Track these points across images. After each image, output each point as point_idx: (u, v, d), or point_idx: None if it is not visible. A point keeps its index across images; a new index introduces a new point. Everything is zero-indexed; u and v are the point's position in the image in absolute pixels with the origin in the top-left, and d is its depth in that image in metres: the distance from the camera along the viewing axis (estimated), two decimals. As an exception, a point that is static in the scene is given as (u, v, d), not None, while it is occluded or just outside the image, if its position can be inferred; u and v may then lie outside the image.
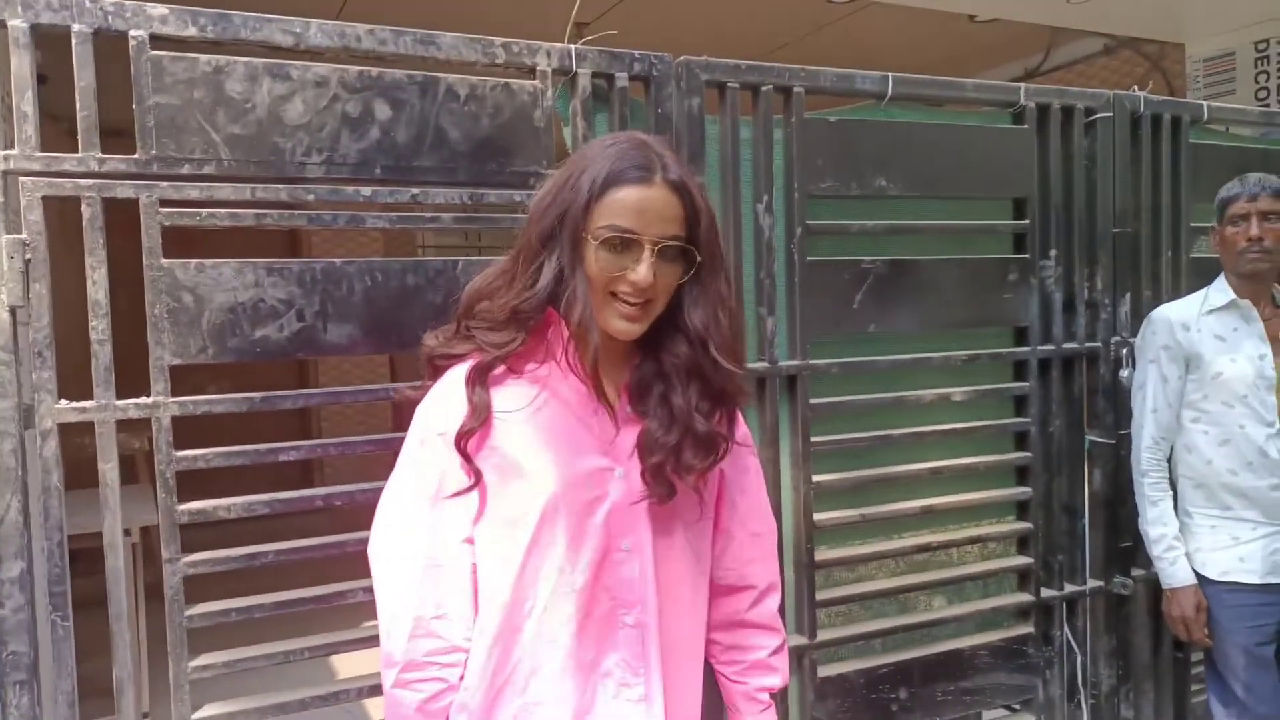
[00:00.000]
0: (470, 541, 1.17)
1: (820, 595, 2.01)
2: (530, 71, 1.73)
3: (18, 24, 1.38)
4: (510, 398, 1.16)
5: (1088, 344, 2.30)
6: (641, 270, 1.09)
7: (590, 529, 1.14)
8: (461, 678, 1.16)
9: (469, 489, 1.14)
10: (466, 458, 1.13)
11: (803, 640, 1.98)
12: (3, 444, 1.37)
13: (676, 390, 1.17)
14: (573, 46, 1.76)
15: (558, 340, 1.17)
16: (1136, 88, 2.37)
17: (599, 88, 1.80)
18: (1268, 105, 4.34)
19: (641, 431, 1.16)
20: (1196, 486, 2.14)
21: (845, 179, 2.02)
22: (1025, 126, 2.20)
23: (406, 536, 1.17)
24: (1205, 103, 2.48)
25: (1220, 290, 2.13)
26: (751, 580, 1.33)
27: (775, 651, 1.34)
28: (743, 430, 1.31)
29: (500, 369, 1.17)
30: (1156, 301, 2.33)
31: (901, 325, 2.10)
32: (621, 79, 1.80)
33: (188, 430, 1.48)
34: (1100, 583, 2.33)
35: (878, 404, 2.09)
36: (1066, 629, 2.30)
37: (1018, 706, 2.29)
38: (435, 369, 1.22)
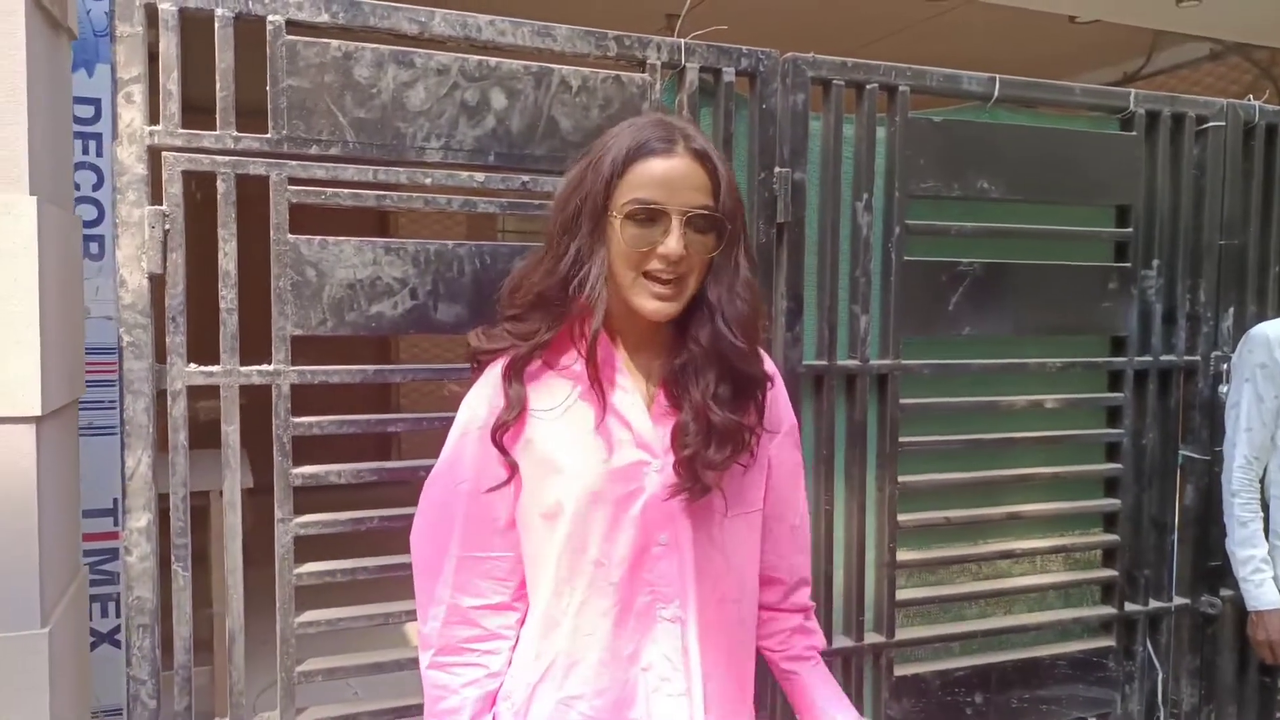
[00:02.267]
0: (511, 531, 1.18)
1: (900, 595, 2.02)
2: (640, 65, 1.76)
3: (168, 7, 1.46)
4: (546, 393, 1.16)
5: (1186, 357, 2.25)
6: (671, 242, 1.07)
7: (626, 523, 1.13)
8: (507, 665, 1.19)
9: (505, 483, 1.16)
10: (503, 450, 1.15)
11: (880, 639, 1.99)
12: (137, 403, 1.46)
13: (696, 377, 1.13)
14: (683, 41, 1.79)
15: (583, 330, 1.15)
16: (1252, 96, 2.30)
17: (705, 82, 1.82)
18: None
19: (676, 424, 1.14)
20: (1290, 509, 2.09)
21: (947, 180, 2.01)
22: (1133, 133, 2.16)
23: (446, 526, 1.18)
24: (1324, 114, 2.40)
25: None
26: (783, 574, 1.31)
27: (809, 617, 1.33)
28: (778, 415, 1.27)
29: (536, 363, 1.17)
30: (1261, 316, 2.27)
31: (996, 330, 2.08)
32: (728, 74, 1.82)
33: (265, 398, 1.56)
34: (1187, 600, 2.29)
35: (968, 408, 2.08)
36: (1149, 645, 2.26)
37: (1094, 719, 2.27)
38: (479, 365, 1.22)
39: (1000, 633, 2.13)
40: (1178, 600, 2.28)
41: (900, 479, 2.00)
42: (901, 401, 1.99)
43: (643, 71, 1.76)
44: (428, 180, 1.61)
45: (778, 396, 1.27)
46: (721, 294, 1.12)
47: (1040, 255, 2.12)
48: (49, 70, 1.43)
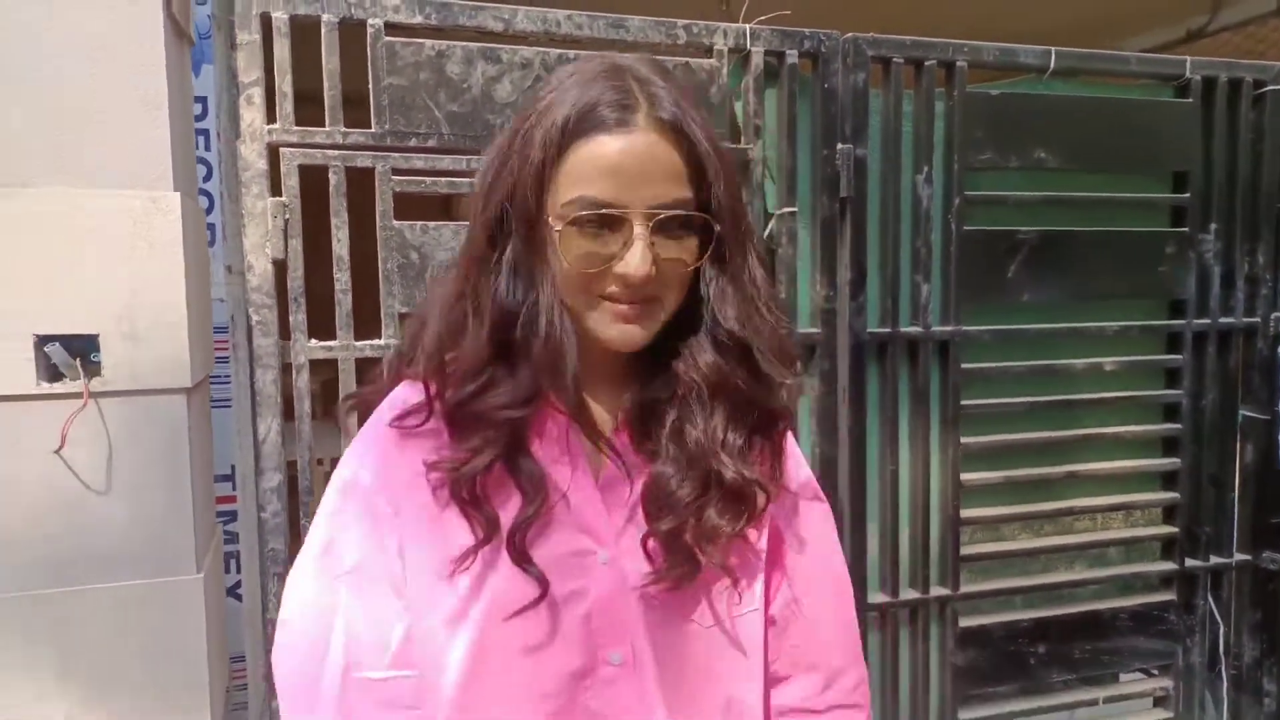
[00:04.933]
0: (409, 642, 0.84)
1: (964, 551, 2.12)
2: (707, 51, 1.87)
3: (280, 15, 1.61)
4: (434, 447, 0.83)
5: (1245, 319, 2.30)
6: (632, 258, 0.76)
7: (564, 636, 0.82)
8: None
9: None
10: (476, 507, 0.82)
11: (945, 591, 2.09)
12: (266, 375, 1.62)
13: (695, 417, 0.83)
14: (748, 26, 1.89)
15: None
16: (1312, 59, 2.32)
17: (770, 65, 1.92)
18: None
19: (648, 483, 0.83)
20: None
21: (1004, 151, 2.08)
22: (1189, 100, 2.20)
23: (319, 633, 0.85)
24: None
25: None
26: (821, 661, 0.95)
27: (856, 686, 0.97)
28: (795, 464, 0.95)
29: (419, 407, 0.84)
30: (1322, 278, 2.30)
31: (1055, 296, 2.15)
32: (791, 56, 1.92)
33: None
34: (1248, 556, 2.34)
35: (1028, 371, 2.16)
36: (1210, 599, 2.33)
37: (1155, 671, 2.34)
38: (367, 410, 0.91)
39: (1061, 586, 2.21)
40: (1239, 556, 2.34)
41: (963, 440, 2.09)
42: (963, 366, 2.08)
43: (710, 57, 1.87)
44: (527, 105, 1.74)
45: (791, 446, 0.95)
46: (745, 315, 0.83)
47: (1097, 222, 2.18)
48: (178, 77, 1.59)
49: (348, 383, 1.66)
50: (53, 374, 1.46)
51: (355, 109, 1.67)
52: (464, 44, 1.70)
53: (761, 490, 0.85)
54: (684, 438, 0.83)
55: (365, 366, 1.70)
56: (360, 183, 1.67)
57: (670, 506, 0.82)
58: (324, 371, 1.70)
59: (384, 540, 0.84)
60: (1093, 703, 2.24)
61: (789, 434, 0.93)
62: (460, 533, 0.81)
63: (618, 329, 0.81)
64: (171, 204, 1.47)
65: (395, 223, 1.68)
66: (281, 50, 1.61)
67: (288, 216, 1.62)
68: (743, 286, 0.84)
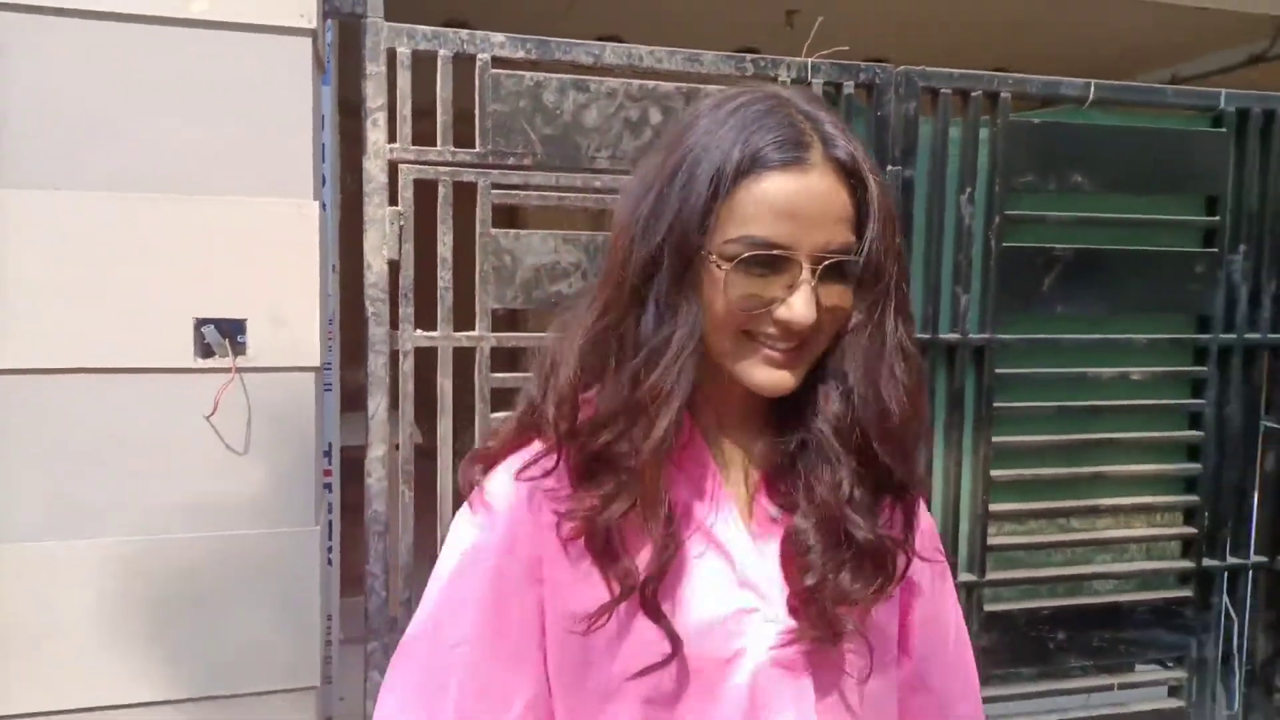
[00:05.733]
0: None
1: (991, 541, 2.31)
2: (773, 81, 2.09)
3: (404, 50, 1.86)
4: (564, 496, 0.78)
5: (1271, 335, 2.45)
6: (798, 305, 0.73)
7: (726, 703, 0.78)
8: None
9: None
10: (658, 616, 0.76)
11: (972, 577, 2.29)
12: (378, 359, 1.89)
13: (822, 469, 0.79)
14: (809, 60, 2.10)
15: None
16: (1347, 92, 2.45)
17: (828, 93, 2.13)
18: None
19: (785, 538, 0.79)
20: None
21: (1044, 175, 2.27)
22: (1223, 130, 2.36)
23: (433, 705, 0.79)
24: None
25: None
26: None
27: None
28: (928, 528, 0.90)
29: (548, 459, 0.79)
30: (1348, 299, 2.44)
31: (1087, 309, 2.33)
32: (848, 87, 2.13)
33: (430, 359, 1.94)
34: (1265, 559, 2.50)
35: (1058, 378, 2.34)
36: (1226, 598, 2.49)
37: (1170, 664, 2.51)
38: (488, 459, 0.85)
39: (1084, 579, 2.40)
40: (1255, 558, 2.49)
41: (994, 439, 2.28)
42: (996, 371, 2.27)
43: (775, 87, 2.08)
44: (597, 184, 1.98)
45: (923, 510, 0.90)
46: (880, 374, 0.78)
47: (1130, 242, 2.35)
48: (315, 101, 1.86)
49: (445, 367, 1.92)
50: (206, 351, 1.74)
51: (459, 127, 1.93)
52: (558, 76, 1.94)
53: (900, 552, 0.81)
54: (813, 491, 0.78)
55: (461, 355, 1.96)
56: (463, 194, 1.92)
57: (809, 564, 0.77)
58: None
59: (509, 605, 0.78)
60: (1108, 688, 2.42)
61: (920, 501, 0.87)
62: (598, 587, 0.76)
63: (766, 373, 0.76)
64: (312, 211, 1.74)
65: (493, 230, 1.92)
66: (404, 81, 1.87)
67: (402, 223, 1.88)
68: (877, 334, 0.78)
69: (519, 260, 1.95)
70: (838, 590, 0.76)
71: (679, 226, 0.74)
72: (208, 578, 1.78)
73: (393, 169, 1.87)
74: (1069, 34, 4.98)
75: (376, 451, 1.91)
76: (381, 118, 1.86)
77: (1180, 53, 5.21)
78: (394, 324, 1.91)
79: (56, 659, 1.71)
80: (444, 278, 1.93)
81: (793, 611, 0.78)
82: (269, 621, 1.81)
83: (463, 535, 0.81)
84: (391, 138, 1.88)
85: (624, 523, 0.76)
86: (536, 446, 0.80)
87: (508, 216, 1.93)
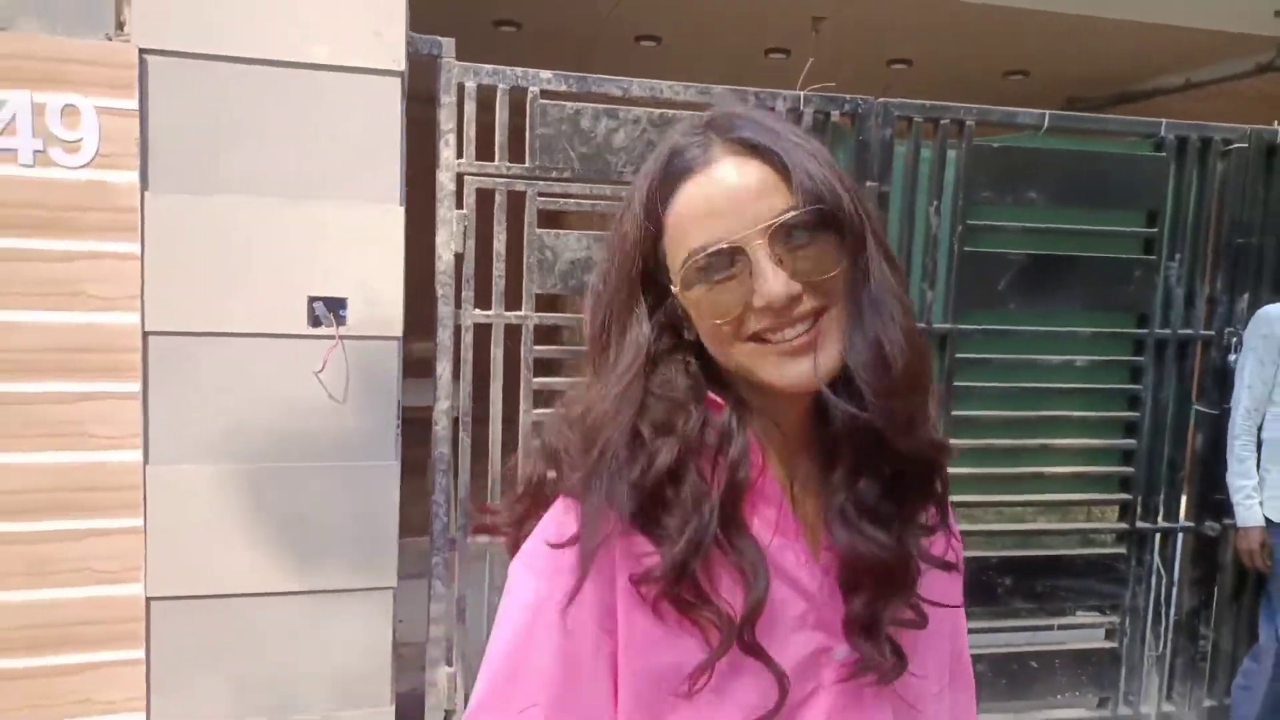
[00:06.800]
0: None
1: (952, 499, 2.73)
2: (770, 110, 2.53)
3: (470, 84, 2.34)
4: (631, 552, 0.72)
5: (1203, 331, 2.84)
6: (765, 281, 0.69)
7: None
8: None
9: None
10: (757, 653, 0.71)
11: (932, 528, 2.72)
12: (445, 332, 2.38)
13: (841, 480, 0.74)
14: (801, 93, 2.54)
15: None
16: (1278, 123, 2.83)
17: (818, 119, 2.57)
18: None
19: (837, 564, 0.75)
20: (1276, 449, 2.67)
21: (1002, 191, 2.68)
22: (1163, 154, 2.75)
23: None
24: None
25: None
26: None
27: None
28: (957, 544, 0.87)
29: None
30: (1272, 301, 2.82)
31: (1037, 307, 2.74)
32: (835, 115, 2.56)
33: (485, 333, 2.43)
34: (1191, 524, 2.90)
35: (1012, 362, 2.76)
36: (1157, 557, 2.90)
37: (1107, 610, 2.92)
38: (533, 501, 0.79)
39: (1031, 534, 2.82)
40: (1184, 523, 2.90)
41: (955, 413, 2.71)
42: (957, 355, 2.69)
43: (772, 115, 2.53)
44: (623, 193, 2.44)
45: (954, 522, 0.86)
46: (858, 308, 0.72)
47: (1077, 248, 2.76)
48: (401, 127, 2.34)
49: (497, 339, 2.40)
50: (315, 322, 2.24)
51: (513, 146, 2.40)
52: (593, 105, 2.40)
53: (951, 571, 0.78)
54: (845, 512, 0.73)
55: (510, 330, 2.43)
56: (515, 201, 2.39)
57: (859, 583, 0.73)
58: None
59: (581, 661, 0.71)
60: (1049, 628, 2.85)
61: (950, 513, 0.83)
62: (687, 638, 0.71)
63: (784, 370, 0.70)
64: (397, 215, 2.23)
65: (538, 230, 2.40)
66: (469, 109, 2.34)
67: (466, 224, 2.36)
68: (862, 289, 0.72)
69: (559, 255, 2.42)
70: (892, 618, 0.73)
71: (631, 273, 0.74)
72: (312, 498, 2.28)
73: (459, 180, 2.35)
74: (1092, 46, 5.30)
75: (442, 405, 2.40)
76: (452, 138, 2.34)
77: (1188, 62, 5.50)
78: (458, 304, 2.39)
79: (195, 556, 2.23)
80: (498, 268, 2.41)
81: (845, 634, 0.74)
82: (357, 534, 2.32)
83: (523, 595, 0.73)
84: (459, 154, 2.35)
85: (704, 563, 0.71)
86: (563, 515, 0.73)
87: (550, 219, 2.39)
